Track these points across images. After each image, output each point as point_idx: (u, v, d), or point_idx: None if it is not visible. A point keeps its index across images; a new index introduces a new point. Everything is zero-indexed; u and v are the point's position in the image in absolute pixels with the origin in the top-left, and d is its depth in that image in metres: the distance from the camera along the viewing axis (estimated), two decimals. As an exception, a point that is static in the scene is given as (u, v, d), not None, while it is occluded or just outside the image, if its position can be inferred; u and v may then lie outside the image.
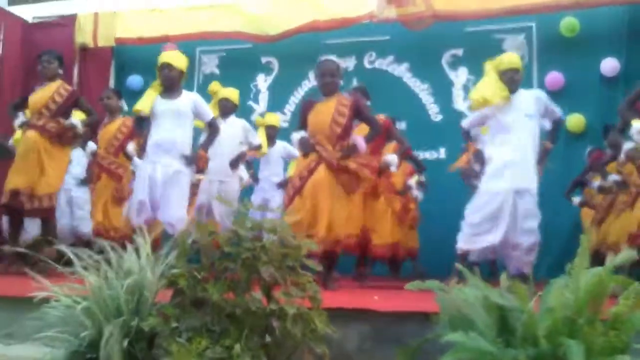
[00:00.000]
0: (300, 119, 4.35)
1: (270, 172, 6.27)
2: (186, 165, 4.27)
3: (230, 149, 5.41)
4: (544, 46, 6.94)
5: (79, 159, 5.68)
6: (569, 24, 6.70)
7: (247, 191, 6.10)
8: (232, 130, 5.45)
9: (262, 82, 7.74)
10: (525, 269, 4.08)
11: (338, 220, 4.02)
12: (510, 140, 4.12)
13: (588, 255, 1.76)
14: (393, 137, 5.30)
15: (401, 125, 7.11)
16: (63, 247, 2.41)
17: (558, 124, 4.40)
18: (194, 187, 4.73)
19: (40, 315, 2.36)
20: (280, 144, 6.32)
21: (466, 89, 7.16)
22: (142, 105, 4.28)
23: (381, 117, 5.06)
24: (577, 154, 6.55)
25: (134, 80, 7.84)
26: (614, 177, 5.26)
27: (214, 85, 5.69)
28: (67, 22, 7.53)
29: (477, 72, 6.44)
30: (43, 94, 4.82)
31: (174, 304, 2.25)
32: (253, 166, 6.24)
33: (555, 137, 4.45)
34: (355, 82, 7.18)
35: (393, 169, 5.12)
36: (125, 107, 5.68)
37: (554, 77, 6.79)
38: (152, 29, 7.33)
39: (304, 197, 4.02)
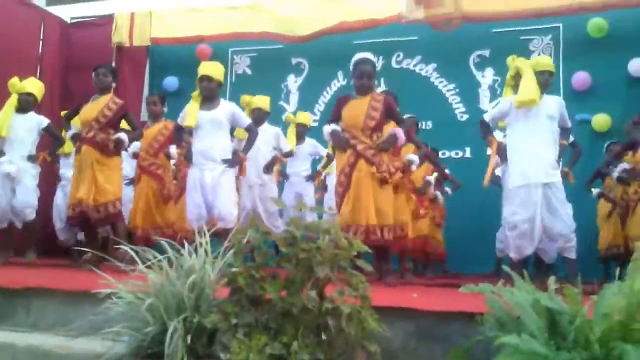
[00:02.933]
0: (334, 113, 4.52)
1: (299, 168, 6.45)
2: (229, 167, 4.58)
3: (264, 154, 5.69)
4: (571, 47, 6.96)
5: (127, 160, 5.84)
6: (596, 24, 6.72)
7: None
8: (266, 136, 5.69)
9: (293, 82, 7.86)
10: (569, 254, 4.23)
11: (385, 209, 4.23)
12: (534, 139, 4.24)
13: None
14: (412, 140, 5.40)
15: (427, 125, 7.23)
16: (125, 247, 2.55)
17: (568, 131, 4.54)
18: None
19: (104, 310, 2.50)
20: (308, 142, 6.50)
21: (492, 89, 7.24)
22: (190, 120, 4.56)
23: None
24: (602, 153, 6.59)
25: (170, 81, 8.02)
26: (624, 166, 5.38)
27: (245, 98, 5.86)
28: (105, 22, 7.71)
29: (503, 73, 6.45)
30: (94, 107, 5.04)
31: (232, 301, 2.38)
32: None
33: (567, 137, 4.59)
34: (382, 82, 7.32)
35: (414, 167, 5.25)
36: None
37: (581, 77, 6.82)
38: (186, 29, 7.48)
39: (351, 193, 4.24)
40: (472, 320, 2.44)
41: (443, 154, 7.07)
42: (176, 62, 7.90)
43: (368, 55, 4.51)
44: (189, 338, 2.27)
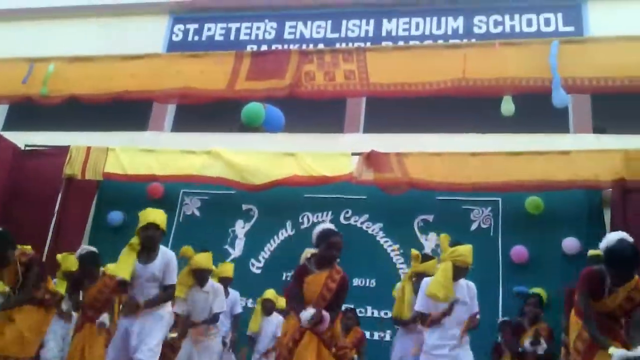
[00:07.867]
0: (297, 283, 4.30)
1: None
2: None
3: (207, 312, 5.51)
4: (509, 220, 7.32)
5: None
6: (533, 202, 7.14)
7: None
8: (206, 296, 5.54)
9: (240, 228, 7.90)
10: None
11: None
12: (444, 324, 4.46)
13: None
14: None
15: (371, 283, 7.30)
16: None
17: (473, 318, 4.63)
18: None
19: None
20: (232, 296, 6.36)
21: (435, 252, 7.40)
22: (122, 272, 4.33)
23: None
24: (538, 326, 6.70)
25: (115, 215, 7.97)
26: None
27: (186, 250, 5.56)
28: (59, 153, 7.68)
29: (445, 238, 6.75)
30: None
31: None
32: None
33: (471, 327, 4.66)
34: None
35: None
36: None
37: (519, 251, 7.08)
38: (140, 167, 7.54)
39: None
40: None
41: (385, 313, 7.06)
42: (125, 198, 7.91)
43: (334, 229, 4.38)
44: None
